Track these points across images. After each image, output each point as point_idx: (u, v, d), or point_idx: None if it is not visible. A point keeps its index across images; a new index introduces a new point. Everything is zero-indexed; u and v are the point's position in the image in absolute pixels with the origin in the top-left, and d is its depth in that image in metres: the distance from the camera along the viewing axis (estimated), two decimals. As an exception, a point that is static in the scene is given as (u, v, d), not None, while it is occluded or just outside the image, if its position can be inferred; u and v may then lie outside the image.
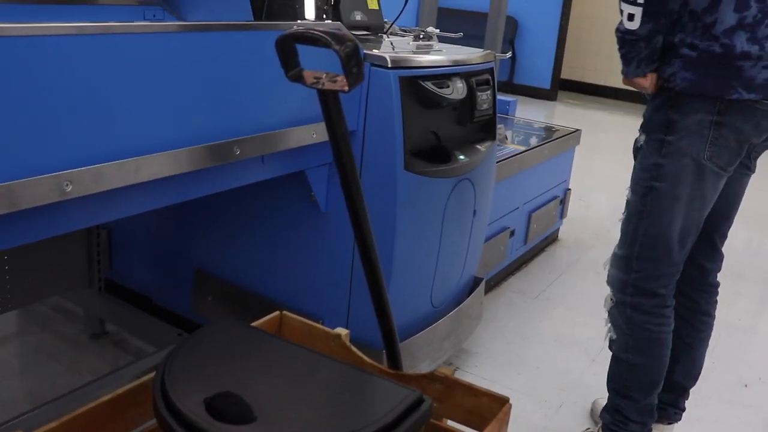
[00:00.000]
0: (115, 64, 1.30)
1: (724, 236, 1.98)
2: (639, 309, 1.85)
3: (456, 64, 2.11)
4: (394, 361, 1.45)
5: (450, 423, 1.44)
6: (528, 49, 8.34)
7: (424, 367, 2.19)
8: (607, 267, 1.95)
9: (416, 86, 1.94)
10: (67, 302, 2.68)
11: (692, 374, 2.07)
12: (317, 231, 2.06)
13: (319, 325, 1.54)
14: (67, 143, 1.24)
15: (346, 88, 1.10)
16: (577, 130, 3.74)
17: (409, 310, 2.15)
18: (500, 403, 1.33)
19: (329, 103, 1.16)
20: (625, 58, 1.71)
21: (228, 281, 2.31)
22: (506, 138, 3.22)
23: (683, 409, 2.13)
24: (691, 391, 2.13)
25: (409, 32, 2.40)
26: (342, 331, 1.49)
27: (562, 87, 8.58)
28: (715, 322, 2.07)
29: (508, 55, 3.33)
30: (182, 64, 1.43)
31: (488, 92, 2.22)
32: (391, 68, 1.88)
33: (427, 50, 2.13)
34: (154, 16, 2.32)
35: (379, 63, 1.88)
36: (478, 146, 2.25)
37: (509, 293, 3.19)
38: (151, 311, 2.51)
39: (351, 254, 2.00)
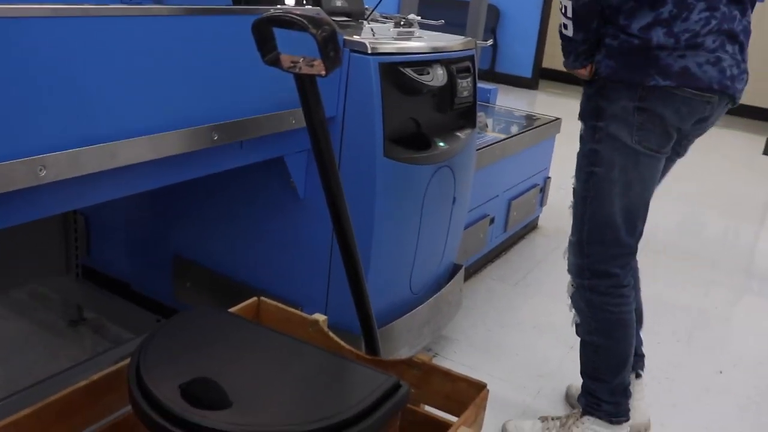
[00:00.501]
0: (91, 48, 1.28)
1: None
2: (596, 291, 1.91)
3: (436, 51, 2.10)
4: (372, 347, 1.45)
5: (428, 408, 1.44)
6: (510, 37, 8.34)
7: (403, 353, 2.19)
8: (566, 255, 1.99)
9: (396, 73, 1.93)
10: (44, 289, 2.65)
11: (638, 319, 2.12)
12: (296, 217, 2.05)
13: (296, 311, 1.54)
14: (41, 127, 1.22)
15: (323, 73, 1.10)
16: (558, 118, 3.75)
17: (388, 297, 2.15)
18: (477, 388, 1.34)
19: (306, 88, 1.15)
20: (565, 51, 1.80)
21: (207, 267, 2.30)
22: (487, 126, 3.22)
23: (643, 355, 2.19)
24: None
25: (390, 19, 2.39)
26: (320, 317, 1.49)
27: (544, 76, 8.58)
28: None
29: (489, 43, 3.33)
30: (160, 49, 1.42)
31: (468, 80, 2.22)
32: (371, 54, 1.87)
33: (407, 37, 2.12)
34: (132, -1, 2.29)
35: (359, 49, 1.87)
36: (458, 134, 2.25)
37: (489, 280, 3.20)
38: (129, 297, 2.50)
39: (330, 240, 1.99)
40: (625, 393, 2.00)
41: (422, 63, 2.02)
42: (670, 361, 2.66)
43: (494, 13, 8.18)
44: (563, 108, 4.19)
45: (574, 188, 1.93)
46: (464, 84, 2.19)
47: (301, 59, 1.13)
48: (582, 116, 1.86)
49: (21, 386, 1.91)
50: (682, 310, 3.11)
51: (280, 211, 2.08)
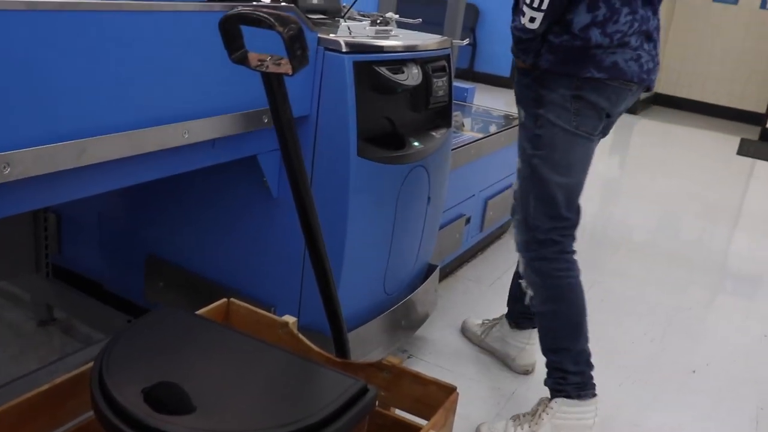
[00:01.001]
0: (58, 42, 1.25)
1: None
2: (545, 259, 2.07)
3: (411, 49, 2.09)
4: (342, 349, 1.43)
5: (397, 412, 1.43)
6: (488, 36, 8.35)
7: (377, 354, 2.18)
8: (514, 236, 2.17)
9: (371, 71, 1.92)
10: (13, 287, 2.61)
11: None
12: (269, 216, 2.03)
13: (266, 313, 1.52)
14: (5, 124, 1.19)
15: (290, 72, 1.08)
16: (535, 118, 3.74)
17: (362, 297, 2.14)
18: (447, 391, 1.33)
19: (273, 87, 1.14)
20: (525, 52, 1.93)
21: (180, 267, 2.27)
22: (463, 125, 3.21)
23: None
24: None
25: (368, 17, 2.37)
26: (290, 319, 1.48)
27: (523, 75, 8.59)
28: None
29: (466, 42, 3.32)
30: (129, 44, 1.39)
31: (444, 79, 2.21)
32: (346, 53, 1.85)
33: (384, 36, 2.11)
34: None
35: (334, 47, 1.85)
36: (433, 133, 2.24)
37: (465, 280, 3.19)
38: (101, 297, 2.46)
39: (303, 240, 1.97)
40: (588, 363, 2.09)
41: (397, 62, 2.01)
42: (645, 360, 2.67)
43: (473, 12, 8.19)
44: (541, 108, 4.19)
45: (518, 169, 2.09)
46: (440, 83, 2.18)
47: (269, 58, 1.12)
48: (523, 104, 2.03)
49: (-14, 388, 1.87)
50: (656, 309, 3.12)
51: (253, 210, 2.06)
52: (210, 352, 1.20)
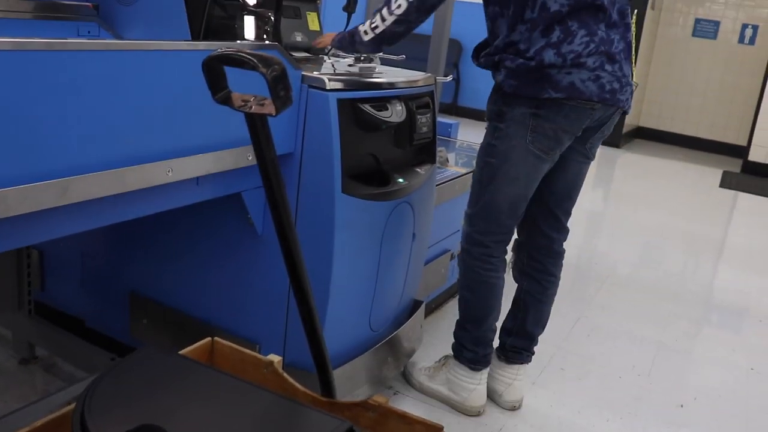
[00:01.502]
0: (41, 82, 1.25)
1: (567, 213, 2.37)
2: (471, 255, 2.27)
3: (395, 87, 2.11)
4: (327, 388, 1.42)
5: (384, 451, 1.41)
6: (472, 72, 8.42)
7: (363, 392, 2.16)
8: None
9: (355, 109, 1.93)
10: (-5, 325, 2.58)
11: (541, 323, 2.46)
12: (254, 254, 2.02)
13: (251, 352, 1.50)
14: (-13, 163, 1.19)
15: (274, 113, 1.08)
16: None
17: (348, 334, 2.13)
18: (434, 431, 1.32)
19: (257, 127, 1.14)
20: (349, 46, 2.17)
21: (164, 304, 2.25)
22: (447, 160, 3.22)
23: (533, 353, 2.50)
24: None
25: (351, 54, 2.39)
26: (275, 358, 1.46)
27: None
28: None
29: (449, 78, 3.35)
30: (114, 83, 1.39)
31: (428, 115, 2.22)
32: (329, 90, 1.86)
33: (368, 73, 2.13)
34: (89, 32, 2.25)
35: (317, 85, 1.87)
36: (417, 169, 2.26)
37: (450, 316, 3.17)
38: (83, 335, 2.43)
39: (288, 278, 1.97)
40: (486, 346, 2.36)
41: (381, 99, 2.02)
42: (632, 395, 2.66)
43: (457, 48, 8.27)
44: (525, 142, 4.22)
45: (473, 172, 2.27)
46: (423, 120, 2.19)
47: (252, 98, 1.12)
48: (488, 117, 2.19)
49: (-36, 430, 1.84)
50: (642, 343, 3.12)
51: (238, 247, 2.06)
52: (194, 394, 1.19)
